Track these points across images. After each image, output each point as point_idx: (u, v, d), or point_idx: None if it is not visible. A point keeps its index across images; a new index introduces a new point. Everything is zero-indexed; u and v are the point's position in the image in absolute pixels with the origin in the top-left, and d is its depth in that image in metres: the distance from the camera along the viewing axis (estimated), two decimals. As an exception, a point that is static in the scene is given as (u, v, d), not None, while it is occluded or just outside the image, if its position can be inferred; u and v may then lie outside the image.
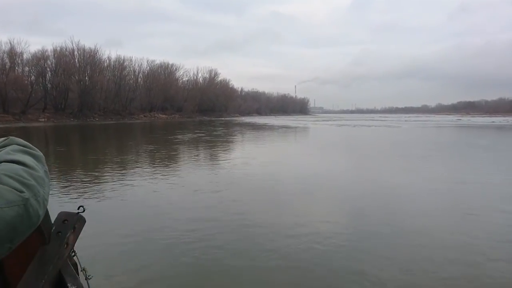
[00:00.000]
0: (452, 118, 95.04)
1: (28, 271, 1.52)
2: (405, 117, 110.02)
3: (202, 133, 30.70)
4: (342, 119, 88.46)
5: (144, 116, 73.97)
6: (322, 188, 8.95)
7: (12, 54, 58.09)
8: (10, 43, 58.30)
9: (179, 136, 26.40)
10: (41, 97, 59.56)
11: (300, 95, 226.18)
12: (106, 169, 11.46)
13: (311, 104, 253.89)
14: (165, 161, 13.52)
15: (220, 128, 38.88)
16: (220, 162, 13.43)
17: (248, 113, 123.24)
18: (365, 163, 13.14)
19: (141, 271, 4.16)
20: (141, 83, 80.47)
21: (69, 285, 1.53)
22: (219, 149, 18.43)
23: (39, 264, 1.54)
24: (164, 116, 77.80)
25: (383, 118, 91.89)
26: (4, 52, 57.22)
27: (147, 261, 4.42)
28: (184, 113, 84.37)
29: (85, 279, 1.71)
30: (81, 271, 1.71)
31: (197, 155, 15.85)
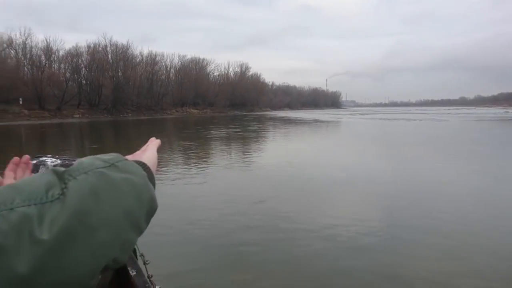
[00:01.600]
0: (497, 110, 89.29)
1: None
2: (444, 109, 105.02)
3: (237, 128, 29.36)
4: (377, 112, 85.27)
5: (176, 111, 73.70)
6: (400, 202, 7.23)
7: (48, 51, 58.92)
8: (46, 41, 59.18)
9: (213, 132, 25.19)
10: (76, 93, 60.13)
11: (331, 89, 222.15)
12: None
13: (343, 98, 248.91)
14: (203, 158, 12.17)
15: (254, 123, 37.46)
16: (259, 160, 11.93)
17: (279, 107, 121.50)
18: (436, 165, 11.24)
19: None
20: (173, 78, 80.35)
21: (129, 268, 1.64)
22: (257, 145, 16.98)
23: None
24: (195, 111, 77.34)
25: (421, 111, 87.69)
26: (40, 49, 58.17)
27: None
28: (216, 108, 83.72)
29: (143, 263, 1.80)
30: (140, 256, 1.80)
31: (235, 153, 14.44)
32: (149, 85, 71.47)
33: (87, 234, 0.45)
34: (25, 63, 57.23)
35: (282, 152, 14.54)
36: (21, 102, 49.35)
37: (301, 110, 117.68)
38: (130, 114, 63.15)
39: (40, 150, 14.33)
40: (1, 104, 45.87)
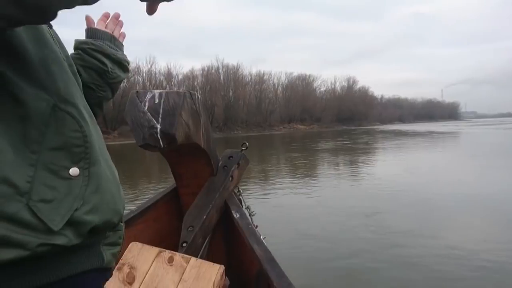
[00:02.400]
0: None
1: (198, 197, 1.94)
2: None
3: (348, 142, 28.24)
4: (505, 122, 75.05)
5: (283, 127, 74.66)
6: None
7: (169, 76, 65.24)
8: (168, 67, 65.88)
9: (323, 146, 24.51)
10: (192, 113, 64.68)
11: (448, 100, 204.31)
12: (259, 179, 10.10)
13: (462, 109, 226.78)
14: (311, 170, 11.65)
15: (364, 136, 35.72)
16: (371, 172, 10.90)
17: (390, 121, 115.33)
18: None
19: None
20: (280, 95, 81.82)
21: (233, 212, 1.83)
22: (368, 157, 15.85)
23: (208, 191, 1.96)
24: (303, 126, 77.37)
25: None
26: (162, 74, 64.72)
27: None
28: (323, 123, 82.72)
29: (249, 215, 1.94)
30: (246, 208, 1.95)
31: (344, 164, 13.59)
32: (258, 103, 73.82)
33: None
34: (150, 88, 63.73)
35: (395, 165, 13.24)
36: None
37: (414, 124, 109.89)
38: (240, 131, 65.79)
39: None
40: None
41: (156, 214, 2.03)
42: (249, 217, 1.85)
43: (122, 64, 1.16)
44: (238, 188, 2.23)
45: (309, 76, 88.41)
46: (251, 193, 8.02)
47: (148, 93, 1.53)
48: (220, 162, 2.15)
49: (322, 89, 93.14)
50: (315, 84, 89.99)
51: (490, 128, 46.89)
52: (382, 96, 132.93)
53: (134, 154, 21.88)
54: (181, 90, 1.63)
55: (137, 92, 1.53)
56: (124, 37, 1.22)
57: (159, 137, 1.45)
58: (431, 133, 39.02)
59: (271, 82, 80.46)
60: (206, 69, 69.30)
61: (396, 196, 7.47)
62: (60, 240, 0.58)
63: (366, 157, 16.34)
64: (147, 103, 1.49)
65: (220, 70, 70.83)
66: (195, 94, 1.78)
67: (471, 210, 6.35)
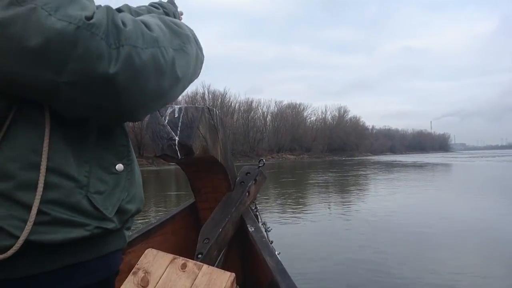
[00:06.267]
0: None
1: (215, 210, 2.00)
2: None
3: (344, 174, 24.40)
4: (496, 155, 72.43)
5: (272, 157, 70.86)
6: None
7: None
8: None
9: (317, 178, 20.63)
10: (174, 141, 60.93)
11: (437, 131, 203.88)
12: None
13: (452, 141, 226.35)
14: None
15: (366, 169, 31.96)
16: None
17: (381, 152, 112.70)
18: None
19: None
20: (269, 124, 78.66)
21: (248, 226, 1.89)
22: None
23: (224, 206, 2.02)
24: (292, 156, 73.73)
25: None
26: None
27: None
28: (313, 153, 79.32)
29: (265, 231, 1.96)
30: (262, 224, 1.99)
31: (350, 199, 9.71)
32: (245, 131, 70.32)
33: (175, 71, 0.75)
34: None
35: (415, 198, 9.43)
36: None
37: (405, 154, 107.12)
38: (225, 161, 61.80)
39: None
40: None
41: (175, 227, 2.12)
42: (264, 232, 1.88)
43: None
44: (255, 205, 2.27)
45: (300, 105, 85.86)
46: None
47: (169, 108, 1.66)
48: (238, 178, 2.21)
49: (312, 118, 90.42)
50: (305, 113, 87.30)
51: (489, 160, 44.09)
52: (373, 127, 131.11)
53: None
54: (200, 106, 1.74)
55: None
56: None
57: (177, 148, 1.60)
58: (434, 165, 35.56)
59: (260, 110, 77.49)
60: (190, 94, 65.94)
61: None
62: (110, 225, 0.73)
63: (373, 191, 12.45)
64: (167, 117, 1.64)
65: (206, 96, 67.58)
66: (213, 110, 1.88)
67: None
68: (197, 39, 0.87)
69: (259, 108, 77.36)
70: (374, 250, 5.52)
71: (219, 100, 68.21)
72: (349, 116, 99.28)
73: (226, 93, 69.39)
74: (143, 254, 1.50)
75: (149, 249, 1.52)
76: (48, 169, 0.66)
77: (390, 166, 35.58)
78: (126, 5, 1.15)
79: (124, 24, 0.67)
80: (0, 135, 0.66)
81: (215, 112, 1.87)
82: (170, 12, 1.32)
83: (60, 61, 0.61)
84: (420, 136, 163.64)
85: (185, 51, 0.79)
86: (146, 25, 0.72)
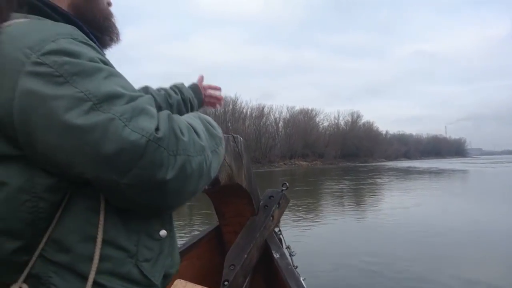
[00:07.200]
0: None
1: (239, 236, 1.97)
2: None
3: (360, 184, 23.27)
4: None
5: (284, 163, 69.72)
6: None
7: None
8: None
9: (334, 187, 19.57)
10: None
11: (453, 136, 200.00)
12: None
13: (468, 145, 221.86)
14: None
15: (383, 176, 30.71)
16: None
17: (395, 157, 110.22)
18: None
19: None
20: (281, 130, 77.61)
21: (273, 251, 1.86)
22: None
23: (249, 230, 1.98)
24: (305, 163, 72.47)
25: None
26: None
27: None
28: (326, 159, 77.90)
29: (289, 255, 1.94)
30: (286, 248, 1.95)
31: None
32: (257, 137, 69.39)
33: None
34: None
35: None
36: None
37: (422, 160, 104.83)
38: (237, 168, 60.83)
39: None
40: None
41: (199, 252, 2.10)
42: (289, 257, 1.89)
43: None
44: (279, 228, 2.25)
45: (312, 110, 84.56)
46: None
47: None
48: (261, 202, 2.19)
49: (325, 124, 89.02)
50: (317, 119, 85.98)
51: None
52: (387, 132, 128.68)
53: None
54: (225, 135, 1.70)
55: None
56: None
57: None
58: (452, 171, 34.09)
59: (272, 116, 76.50)
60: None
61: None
62: None
63: (397, 202, 11.41)
64: None
65: (217, 103, 66.90)
66: (237, 137, 1.91)
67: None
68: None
69: (271, 114, 76.44)
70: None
71: (231, 106, 67.38)
72: (363, 121, 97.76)
73: (237, 99, 68.69)
74: (173, 285, 1.49)
75: (178, 280, 1.51)
76: (103, 241, 0.70)
77: (407, 173, 34.26)
78: (147, 87, 1.26)
79: (182, 133, 0.72)
80: (61, 207, 0.70)
81: (239, 140, 1.89)
82: (186, 99, 1.39)
83: (126, 167, 0.66)
84: (435, 141, 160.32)
85: (218, 153, 0.84)
86: (196, 131, 0.77)
